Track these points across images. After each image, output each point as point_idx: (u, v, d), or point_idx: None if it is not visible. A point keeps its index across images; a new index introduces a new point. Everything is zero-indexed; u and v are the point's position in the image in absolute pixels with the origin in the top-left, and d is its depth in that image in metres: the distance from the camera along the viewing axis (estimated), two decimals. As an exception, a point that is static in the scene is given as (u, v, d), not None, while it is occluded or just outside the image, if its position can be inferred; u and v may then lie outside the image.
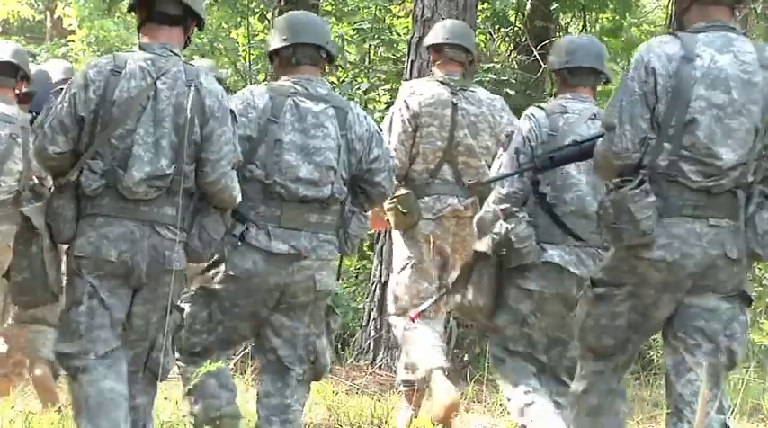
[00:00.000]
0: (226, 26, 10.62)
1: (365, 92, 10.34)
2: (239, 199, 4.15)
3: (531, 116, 4.72)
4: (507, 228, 4.53)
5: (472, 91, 5.80)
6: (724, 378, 3.86)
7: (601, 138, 3.87)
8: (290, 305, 4.38)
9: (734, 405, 6.39)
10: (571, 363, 4.44)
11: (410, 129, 5.74)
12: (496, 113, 5.76)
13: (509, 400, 4.70)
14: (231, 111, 4.14)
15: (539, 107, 4.80)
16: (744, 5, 4.02)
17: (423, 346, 5.43)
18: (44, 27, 17.53)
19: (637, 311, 3.85)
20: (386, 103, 10.58)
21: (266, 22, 10.19)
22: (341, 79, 10.71)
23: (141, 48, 4.09)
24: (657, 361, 8.57)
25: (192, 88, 3.99)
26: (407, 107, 5.77)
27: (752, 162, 3.74)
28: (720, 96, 3.71)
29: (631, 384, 7.78)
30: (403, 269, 5.73)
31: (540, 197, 4.60)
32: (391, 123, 5.80)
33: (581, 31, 11.79)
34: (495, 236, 4.57)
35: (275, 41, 4.56)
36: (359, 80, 10.50)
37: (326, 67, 4.69)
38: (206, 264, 4.35)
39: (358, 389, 6.79)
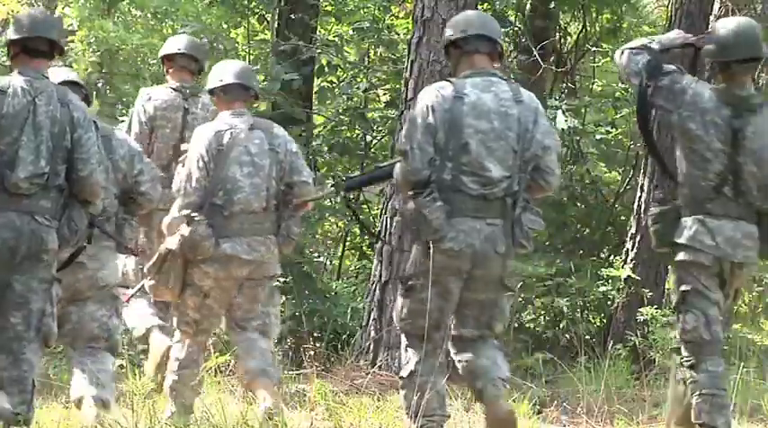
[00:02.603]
0: (226, 26, 10.60)
1: (365, 92, 10.34)
2: (102, 194, 5.10)
3: (201, 136, 5.63)
4: (190, 231, 5.47)
5: (200, 97, 6.72)
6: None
7: (398, 163, 4.93)
8: (80, 298, 5.44)
9: (734, 405, 6.39)
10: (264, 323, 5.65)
11: (146, 130, 6.86)
12: None
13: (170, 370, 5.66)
14: (93, 121, 5.08)
15: (207, 127, 5.71)
16: (500, 58, 5.10)
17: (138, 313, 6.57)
18: (44, 27, 17.51)
19: (439, 295, 4.84)
20: (385, 103, 10.59)
21: (266, 22, 10.19)
22: (340, 79, 10.71)
23: (19, 72, 4.94)
24: (657, 361, 8.57)
25: (64, 104, 4.92)
26: (144, 111, 6.88)
27: (516, 176, 4.85)
28: (485, 124, 4.83)
29: (631, 384, 7.78)
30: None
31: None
32: (130, 124, 6.93)
33: (580, 32, 11.80)
34: (181, 238, 5.48)
35: None
36: (358, 80, 10.50)
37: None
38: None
39: (358, 389, 6.79)
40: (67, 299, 5.35)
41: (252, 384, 5.53)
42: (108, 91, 15.16)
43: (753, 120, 4.93)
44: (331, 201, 10.51)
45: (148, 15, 11.53)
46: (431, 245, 4.81)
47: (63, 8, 15.16)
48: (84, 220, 5.02)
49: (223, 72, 5.75)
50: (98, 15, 13.12)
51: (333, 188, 5.66)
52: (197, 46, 7.21)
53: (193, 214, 5.47)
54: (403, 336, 5.02)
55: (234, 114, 5.67)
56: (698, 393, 4.92)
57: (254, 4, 9.81)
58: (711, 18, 11.08)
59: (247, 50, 9.41)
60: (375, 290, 7.94)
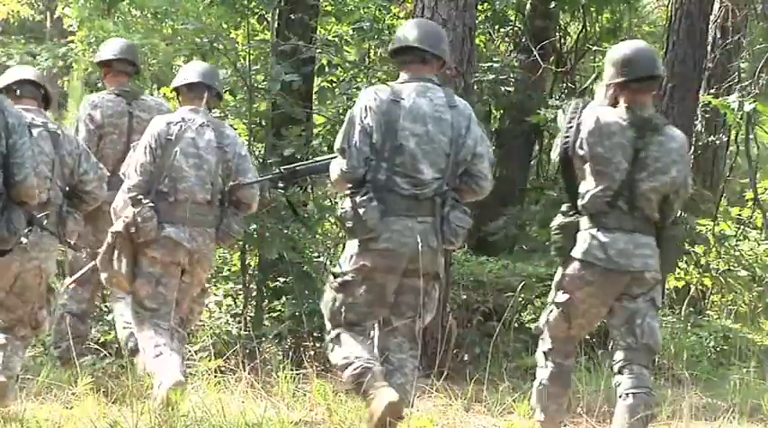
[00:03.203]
0: (226, 26, 10.60)
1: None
2: (37, 196, 5.34)
3: (154, 125, 6.06)
4: (134, 212, 5.83)
5: (143, 100, 7.04)
6: (418, 333, 5.28)
7: (334, 160, 5.15)
8: (22, 288, 5.62)
9: (734, 406, 6.39)
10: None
11: (95, 138, 7.06)
12: None
13: (143, 349, 5.93)
14: (28, 126, 5.33)
15: (162, 118, 6.14)
16: (442, 67, 5.34)
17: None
18: (44, 27, 17.54)
19: (371, 291, 5.09)
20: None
21: (266, 22, 10.18)
22: (340, 79, 10.71)
23: None
24: (657, 361, 8.57)
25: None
26: (92, 119, 7.10)
27: (447, 177, 5.10)
28: (420, 128, 5.06)
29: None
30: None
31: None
32: (76, 131, 7.11)
33: (580, 32, 11.81)
34: (126, 219, 5.86)
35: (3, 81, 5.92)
36: (358, 80, 10.49)
37: (46, 103, 5.95)
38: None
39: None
40: (12, 290, 5.63)
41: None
42: (108, 91, 15.15)
43: (656, 140, 5.18)
44: (331, 202, 10.50)
45: (148, 15, 11.53)
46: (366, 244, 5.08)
47: (63, 8, 15.19)
48: (23, 221, 5.27)
49: (188, 71, 6.19)
50: (98, 15, 13.14)
51: (271, 177, 6.03)
52: (132, 49, 7.46)
53: (139, 196, 5.86)
54: (328, 324, 5.25)
55: (192, 110, 6.09)
56: (539, 382, 5.35)
57: (254, 4, 9.80)
58: (711, 18, 11.10)
59: (247, 50, 9.38)
60: (375, 290, 7.93)
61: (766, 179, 12.44)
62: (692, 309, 10.17)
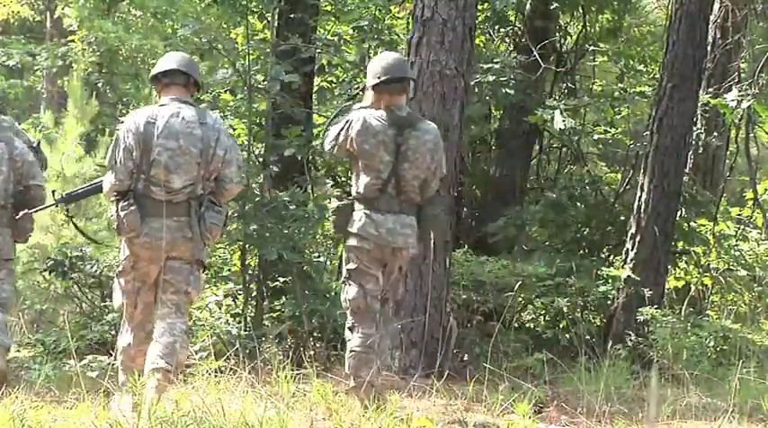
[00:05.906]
0: (225, 26, 10.60)
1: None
2: None
3: None
4: None
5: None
6: (186, 309, 6.19)
7: (106, 176, 6.09)
8: None
9: (734, 406, 6.39)
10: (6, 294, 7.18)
11: None
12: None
13: None
14: None
15: None
16: (197, 88, 6.24)
17: None
18: (44, 27, 17.55)
19: (137, 279, 6.05)
20: (386, 103, 10.57)
21: (266, 21, 10.18)
22: (340, 79, 10.70)
23: None
24: (657, 361, 8.57)
25: None
26: None
27: (199, 183, 6.02)
28: (173, 143, 5.98)
29: (631, 384, 7.78)
30: None
31: None
32: None
33: (580, 32, 11.82)
34: None
35: None
36: (358, 80, 10.49)
37: None
38: None
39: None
40: None
41: None
42: (108, 91, 15.17)
43: (413, 135, 6.15)
44: (331, 201, 10.48)
45: (148, 15, 11.55)
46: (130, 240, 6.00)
47: (63, 8, 15.19)
48: None
49: None
50: (98, 15, 13.15)
51: (51, 205, 6.97)
52: None
53: None
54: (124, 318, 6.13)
55: None
56: (350, 350, 6.06)
57: (253, 3, 9.80)
58: (711, 18, 11.10)
59: (247, 50, 9.38)
60: (375, 290, 7.92)
61: (766, 179, 12.45)
62: (692, 309, 10.17)
